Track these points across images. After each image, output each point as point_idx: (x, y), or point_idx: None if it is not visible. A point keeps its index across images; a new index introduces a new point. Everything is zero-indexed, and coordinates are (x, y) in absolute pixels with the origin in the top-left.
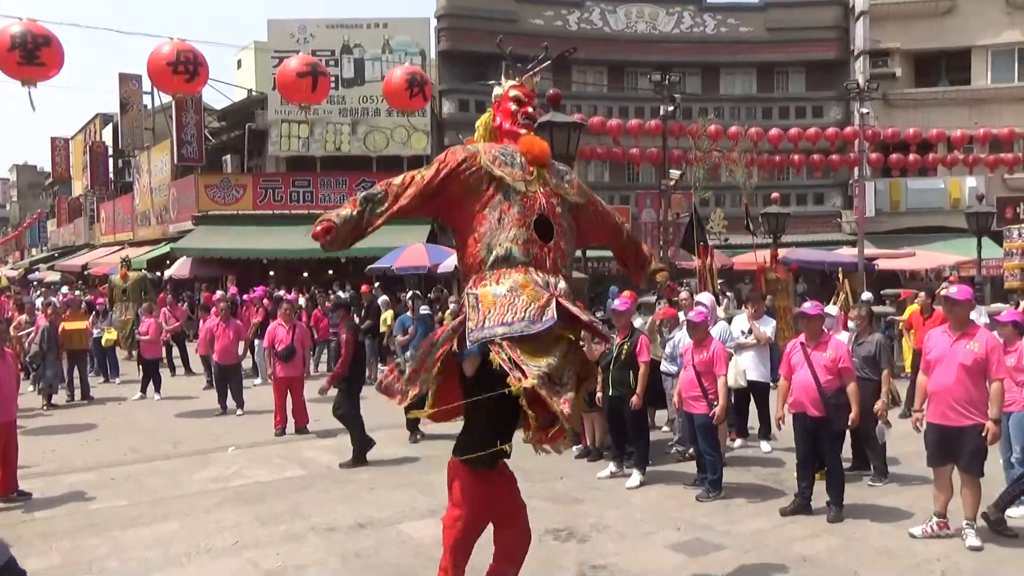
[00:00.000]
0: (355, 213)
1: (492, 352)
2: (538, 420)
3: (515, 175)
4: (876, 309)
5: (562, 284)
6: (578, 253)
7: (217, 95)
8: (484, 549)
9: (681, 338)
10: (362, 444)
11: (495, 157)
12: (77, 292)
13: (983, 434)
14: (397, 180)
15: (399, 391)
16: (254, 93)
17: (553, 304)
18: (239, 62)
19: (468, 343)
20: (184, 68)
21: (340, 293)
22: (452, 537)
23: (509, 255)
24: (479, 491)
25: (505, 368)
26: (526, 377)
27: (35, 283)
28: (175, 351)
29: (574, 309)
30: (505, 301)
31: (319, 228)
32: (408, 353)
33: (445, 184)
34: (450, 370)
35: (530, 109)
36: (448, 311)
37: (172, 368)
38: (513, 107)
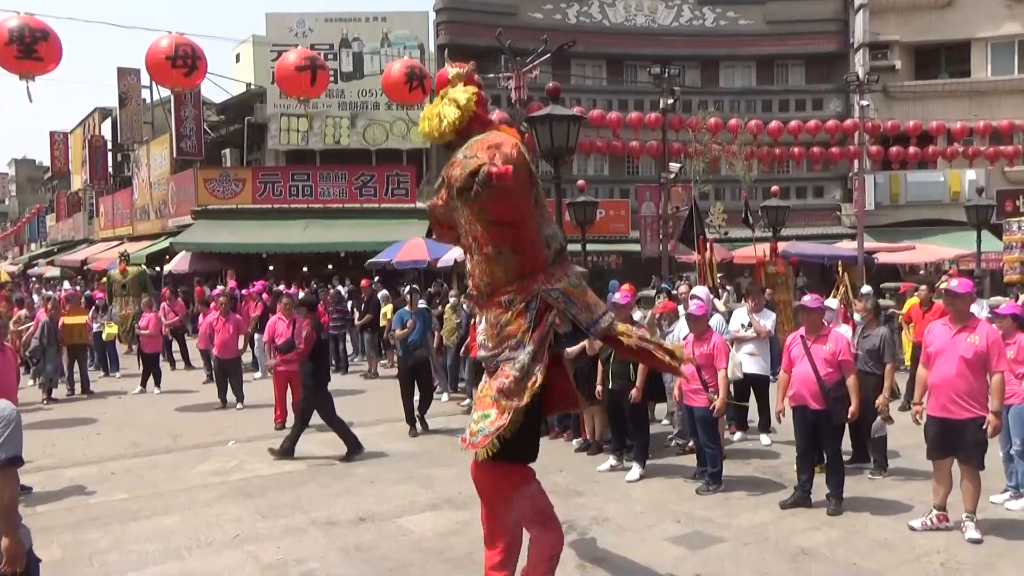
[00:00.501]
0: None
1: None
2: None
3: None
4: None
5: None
6: (577, 247)
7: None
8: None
9: (680, 331)
10: (348, 437)
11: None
12: (77, 287)
13: (984, 427)
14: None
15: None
16: (253, 87)
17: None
18: (237, 56)
19: (592, 336)
20: (183, 62)
21: (340, 287)
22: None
23: (563, 248)
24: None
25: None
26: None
27: (34, 279)
28: (175, 346)
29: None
30: (586, 292)
31: (501, 168)
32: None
33: (526, 173)
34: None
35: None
36: (448, 305)
37: (172, 362)
38: (483, 94)
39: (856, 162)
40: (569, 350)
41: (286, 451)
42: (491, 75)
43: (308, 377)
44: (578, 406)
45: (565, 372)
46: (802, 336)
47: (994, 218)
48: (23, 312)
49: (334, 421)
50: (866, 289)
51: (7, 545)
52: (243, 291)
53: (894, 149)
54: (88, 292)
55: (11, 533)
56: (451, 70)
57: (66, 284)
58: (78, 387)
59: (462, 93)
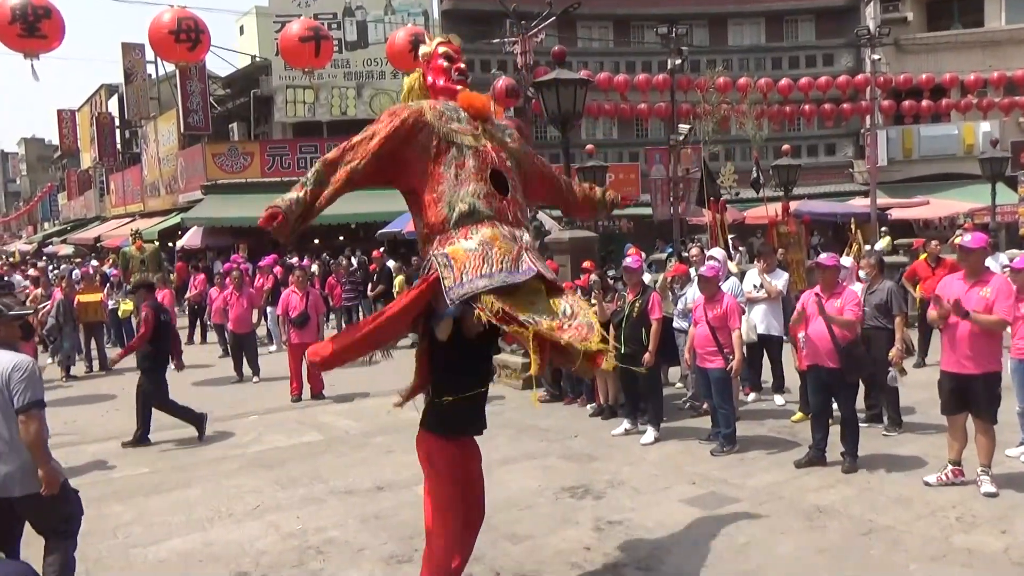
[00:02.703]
0: (302, 195)
1: (477, 309)
2: (566, 358)
3: (463, 130)
4: (890, 259)
5: (526, 237)
6: None
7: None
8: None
9: (692, 294)
10: (194, 419)
11: (441, 113)
12: (92, 265)
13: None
14: (332, 154)
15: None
16: (258, 59)
17: (525, 255)
18: (241, 28)
19: (449, 302)
20: (186, 36)
21: (352, 259)
22: (452, 518)
23: (473, 210)
24: (461, 459)
25: (495, 323)
26: (525, 327)
27: (47, 257)
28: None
29: (538, 264)
30: (479, 254)
31: (265, 215)
32: None
33: (397, 145)
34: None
35: (462, 65)
36: None
37: (204, 334)
38: (445, 64)
39: (868, 118)
40: None
41: (139, 439)
42: (496, 40)
43: (145, 360)
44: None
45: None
46: (817, 294)
47: (1009, 170)
48: (39, 291)
49: (168, 405)
50: (879, 245)
51: (43, 473)
52: (256, 264)
53: (907, 103)
54: (109, 270)
55: (45, 463)
56: (422, 48)
57: (93, 262)
58: (96, 364)
59: (413, 75)
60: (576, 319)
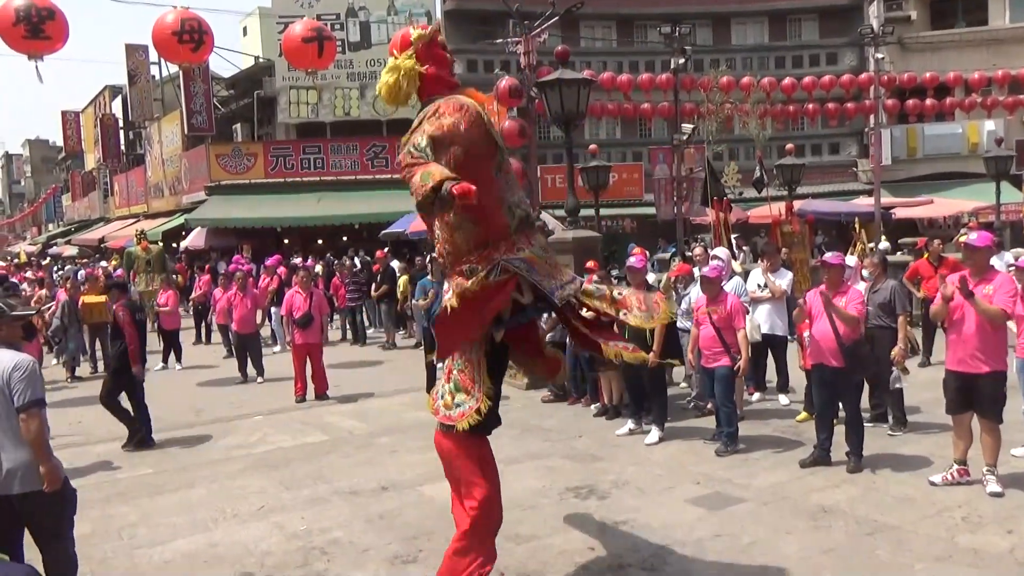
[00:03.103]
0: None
1: (580, 305)
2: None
3: (496, 134)
4: (894, 258)
5: (563, 234)
6: (590, 211)
7: (224, 63)
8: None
9: (695, 294)
10: (130, 424)
11: (482, 114)
12: (100, 266)
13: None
14: (432, 130)
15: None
16: (261, 60)
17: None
18: (244, 29)
19: (558, 302)
20: (189, 37)
21: (355, 259)
22: (488, 519)
23: (528, 217)
24: (491, 460)
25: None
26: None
27: (51, 258)
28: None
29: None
30: (550, 261)
31: (463, 186)
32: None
33: (464, 140)
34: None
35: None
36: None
37: (209, 335)
38: (447, 55)
39: (872, 116)
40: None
41: (140, 441)
42: (499, 40)
43: (116, 359)
44: (556, 373)
45: (538, 340)
46: (822, 293)
47: (1014, 168)
48: (44, 292)
49: (112, 405)
50: (883, 245)
51: (45, 471)
52: (258, 264)
53: (911, 102)
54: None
55: (47, 460)
56: (413, 32)
57: (103, 264)
58: (101, 365)
59: (405, 59)
60: (630, 304)
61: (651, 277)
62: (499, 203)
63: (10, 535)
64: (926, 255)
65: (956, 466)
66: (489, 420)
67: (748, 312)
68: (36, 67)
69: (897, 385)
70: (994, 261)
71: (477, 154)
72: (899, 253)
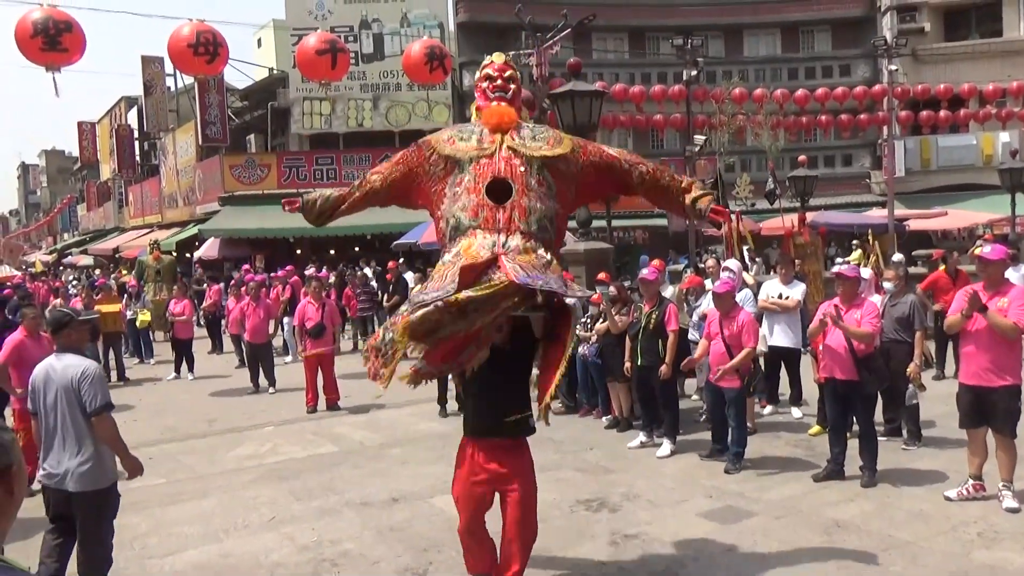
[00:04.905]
0: (335, 193)
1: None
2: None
3: (467, 148)
4: (909, 271)
5: (513, 241)
6: (602, 223)
7: (239, 75)
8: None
9: (707, 305)
10: None
11: (449, 137)
12: (113, 278)
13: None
14: (372, 168)
15: (380, 375)
16: (275, 72)
17: (458, 268)
18: (259, 41)
19: (408, 311)
20: (204, 49)
21: (367, 269)
22: (462, 518)
23: (459, 224)
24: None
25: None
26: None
27: (68, 268)
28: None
29: (510, 267)
30: (445, 269)
31: (294, 204)
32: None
33: (408, 169)
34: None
35: (499, 81)
36: None
37: (220, 344)
38: (484, 85)
39: (885, 128)
40: (598, 326)
41: None
42: (512, 52)
43: None
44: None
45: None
46: (836, 306)
47: None
48: (58, 301)
49: None
50: (898, 257)
51: (126, 464)
52: (270, 275)
53: (924, 113)
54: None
55: (125, 455)
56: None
57: (127, 275)
58: (114, 374)
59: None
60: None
61: (669, 290)
62: (442, 215)
63: (72, 522)
64: (943, 267)
65: (971, 481)
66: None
67: (759, 326)
68: (53, 79)
69: (914, 401)
70: (1009, 274)
71: (421, 178)
72: (912, 267)
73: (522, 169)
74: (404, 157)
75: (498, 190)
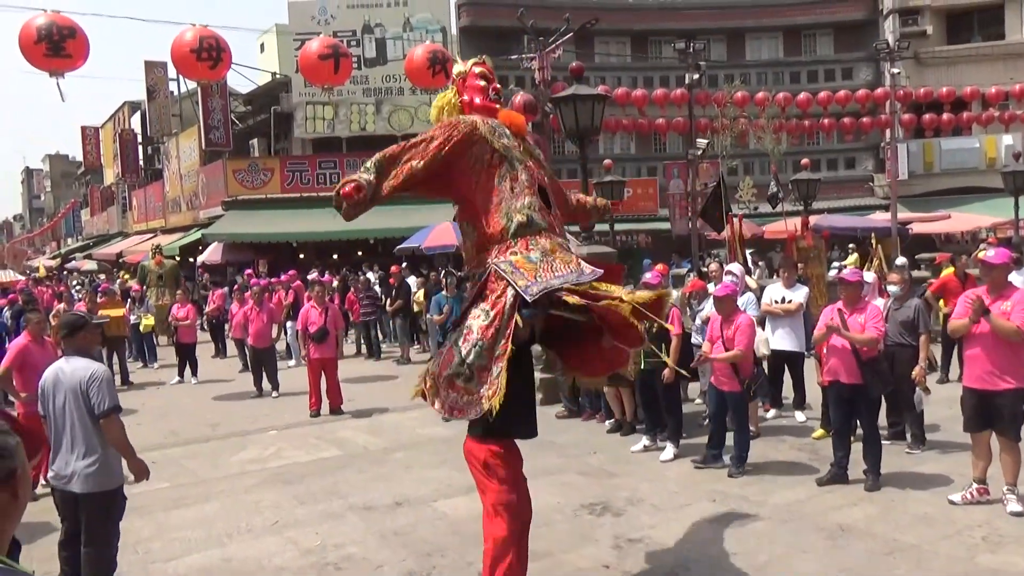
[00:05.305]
0: (372, 179)
1: (565, 295)
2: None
3: (514, 145)
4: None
5: (577, 249)
6: (605, 227)
7: (242, 79)
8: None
9: (709, 309)
10: None
11: (492, 128)
12: (117, 283)
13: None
14: (392, 150)
15: (472, 404)
16: (278, 76)
17: (583, 263)
18: (262, 46)
19: (529, 299)
20: (207, 54)
21: (370, 274)
22: (516, 525)
23: (531, 221)
24: (519, 466)
25: (583, 303)
26: (619, 300)
27: (72, 272)
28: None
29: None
30: (545, 265)
31: (350, 187)
32: (433, 362)
33: (454, 153)
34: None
35: (497, 85)
36: None
37: (224, 348)
38: (482, 83)
39: (888, 131)
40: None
41: None
42: (514, 56)
43: None
44: (624, 363)
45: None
46: (839, 310)
47: None
48: (63, 306)
49: None
50: (901, 261)
51: (132, 466)
52: (272, 279)
53: (927, 116)
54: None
55: (132, 457)
56: (455, 67)
57: (118, 281)
58: (118, 379)
59: (449, 92)
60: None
61: (674, 294)
62: (496, 208)
63: (80, 523)
64: (952, 270)
65: (975, 485)
66: (507, 423)
67: (760, 326)
68: (58, 84)
69: (921, 406)
70: (1013, 277)
71: (463, 163)
72: (915, 270)
73: (546, 180)
74: (450, 140)
75: (541, 196)
